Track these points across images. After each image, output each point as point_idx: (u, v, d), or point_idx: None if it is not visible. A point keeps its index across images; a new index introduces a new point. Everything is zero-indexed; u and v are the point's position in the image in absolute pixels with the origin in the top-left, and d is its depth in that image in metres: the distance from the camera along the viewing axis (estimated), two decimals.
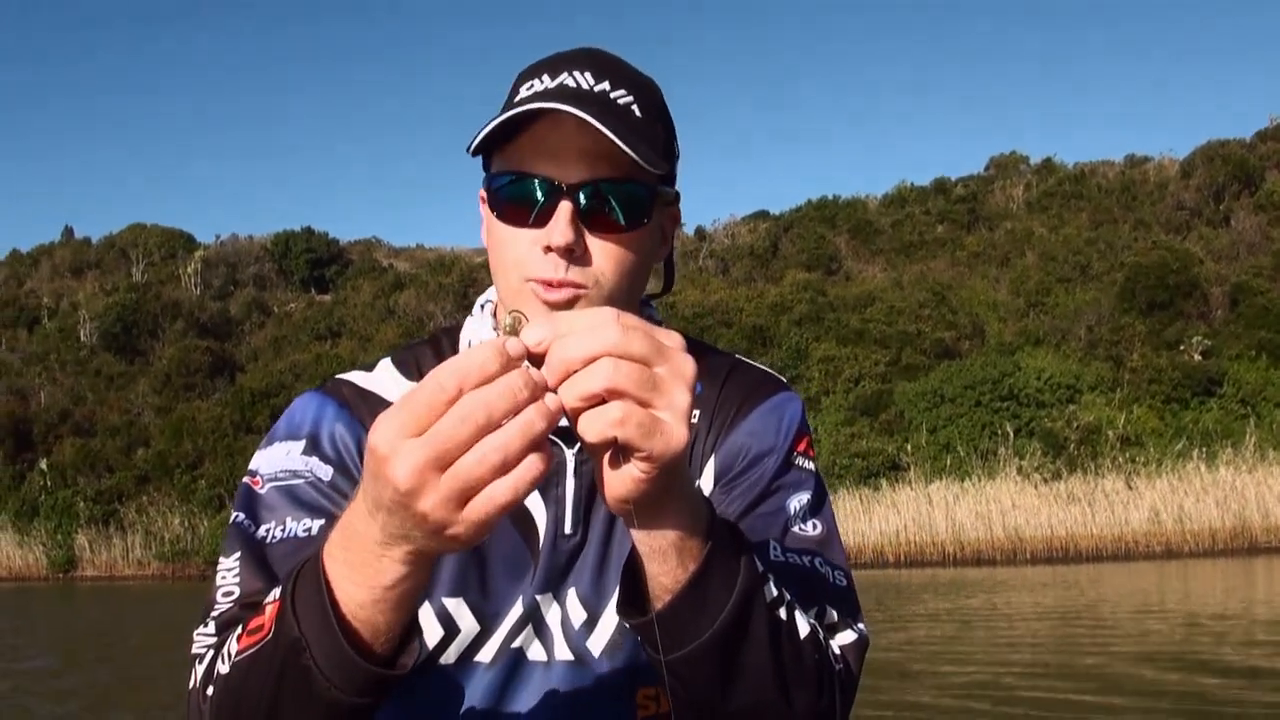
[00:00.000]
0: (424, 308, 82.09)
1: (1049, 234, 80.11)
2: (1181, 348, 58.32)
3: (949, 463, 52.53)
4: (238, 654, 1.61)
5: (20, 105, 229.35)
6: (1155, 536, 45.96)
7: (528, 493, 1.28)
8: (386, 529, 1.37)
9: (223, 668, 1.64)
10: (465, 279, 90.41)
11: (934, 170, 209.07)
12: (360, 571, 1.44)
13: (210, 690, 1.67)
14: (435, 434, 1.26)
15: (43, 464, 75.04)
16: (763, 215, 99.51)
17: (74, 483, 69.24)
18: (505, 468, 1.26)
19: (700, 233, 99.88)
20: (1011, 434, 53.35)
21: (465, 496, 1.27)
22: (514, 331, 1.32)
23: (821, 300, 71.38)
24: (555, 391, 1.30)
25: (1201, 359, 56.88)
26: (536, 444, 1.26)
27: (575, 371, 1.29)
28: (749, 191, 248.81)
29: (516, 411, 1.26)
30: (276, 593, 1.58)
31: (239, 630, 1.66)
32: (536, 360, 1.31)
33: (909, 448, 54.20)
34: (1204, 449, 49.21)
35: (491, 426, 1.25)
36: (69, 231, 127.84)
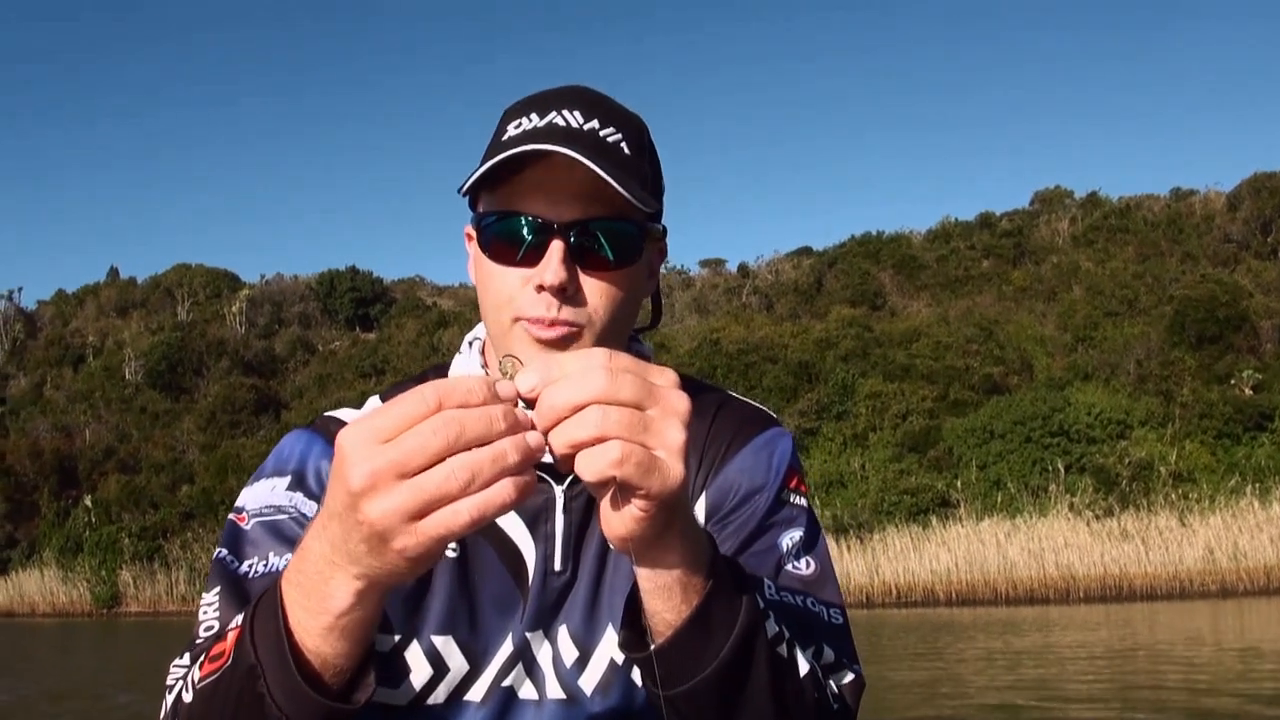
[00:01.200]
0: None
1: (1095, 268, 79.70)
2: (1232, 382, 57.72)
3: (1000, 499, 52.02)
4: (200, 680, 1.60)
5: (65, 148, 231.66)
6: (1210, 575, 45.20)
7: (491, 517, 1.26)
8: (334, 542, 1.36)
9: (186, 695, 1.63)
10: None
11: (978, 205, 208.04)
12: (310, 596, 1.42)
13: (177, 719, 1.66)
14: (402, 441, 1.26)
15: (87, 500, 75.73)
16: (806, 251, 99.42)
17: (118, 519, 69.75)
18: (469, 488, 1.25)
19: (743, 269, 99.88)
20: (1063, 470, 52.83)
21: (422, 510, 1.26)
22: (507, 375, 1.33)
23: (867, 336, 71.18)
24: (546, 438, 1.31)
25: (1252, 393, 56.17)
26: (506, 474, 1.25)
27: (565, 419, 1.29)
28: (792, 228, 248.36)
29: (489, 439, 1.26)
30: (238, 619, 1.57)
31: (202, 656, 1.65)
32: (531, 406, 1.32)
33: (959, 484, 53.70)
34: (1257, 485, 48.47)
35: (460, 447, 1.25)
36: (114, 272, 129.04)
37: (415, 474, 1.26)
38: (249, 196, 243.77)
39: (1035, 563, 47.29)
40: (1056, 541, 47.74)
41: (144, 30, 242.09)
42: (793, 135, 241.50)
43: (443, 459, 1.25)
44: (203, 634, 1.84)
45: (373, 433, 1.28)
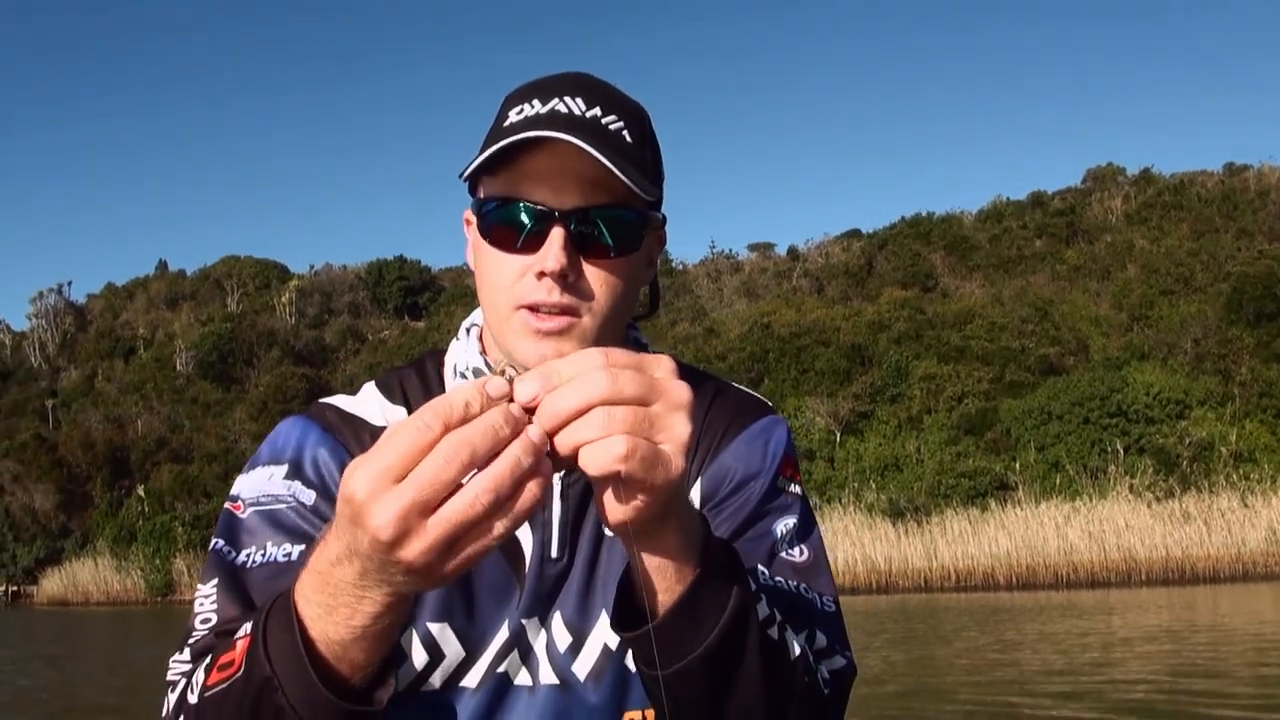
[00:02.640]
0: None
1: (1150, 246, 78.92)
2: None
3: (1058, 481, 51.51)
4: (207, 689, 1.59)
5: (113, 144, 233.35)
6: (1274, 556, 44.84)
7: (517, 527, 1.29)
8: (365, 573, 1.36)
9: (192, 698, 1.62)
10: None
11: (1030, 184, 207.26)
12: (338, 612, 1.42)
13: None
14: (418, 477, 1.25)
15: (140, 490, 76.63)
16: (855, 234, 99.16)
17: (171, 508, 70.18)
18: (498, 506, 1.26)
19: (793, 252, 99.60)
20: (1122, 451, 52.28)
21: (455, 540, 1.27)
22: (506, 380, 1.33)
23: (920, 318, 70.78)
24: (551, 440, 1.30)
25: None
26: (526, 480, 1.26)
27: (570, 422, 1.29)
28: (840, 210, 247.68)
29: (499, 449, 1.26)
30: (247, 628, 1.56)
31: (208, 662, 1.63)
32: (530, 413, 1.31)
33: (1016, 466, 53.22)
34: None
35: (474, 466, 1.25)
36: (163, 265, 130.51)
37: (439, 507, 1.25)
38: (297, 188, 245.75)
39: (1096, 545, 46.95)
40: (1117, 524, 47.36)
41: (192, 23, 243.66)
42: (840, 117, 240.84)
43: (460, 483, 1.25)
44: (199, 626, 1.82)
45: (384, 474, 1.26)
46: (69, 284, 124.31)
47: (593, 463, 1.29)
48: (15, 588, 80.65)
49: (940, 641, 23.49)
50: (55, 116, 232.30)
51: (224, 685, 1.55)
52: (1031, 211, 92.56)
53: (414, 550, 1.26)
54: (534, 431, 1.27)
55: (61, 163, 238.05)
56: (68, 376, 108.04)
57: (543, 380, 1.29)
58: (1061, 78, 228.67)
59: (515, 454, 1.25)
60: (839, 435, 61.46)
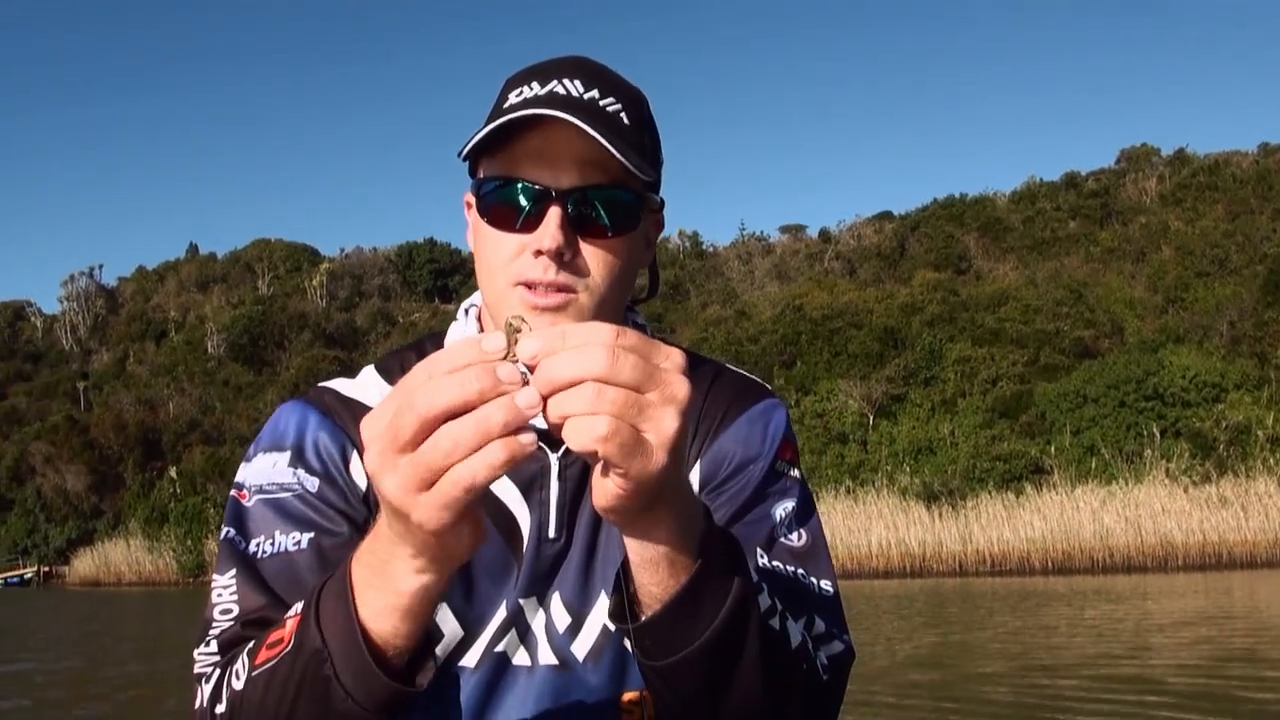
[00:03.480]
0: None
1: (1185, 227, 78.40)
2: None
3: (1094, 465, 51.13)
4: (254, 668, 1.61)
5: (144, 128, 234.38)
6: None
7: (485, 480, 1.28)
8: (390, 523, 1.41)
9: (236, 684, 1.63)
10: None
11: (1063, 164, 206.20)
12: (378, 575, 1.46)
13: (221, 708, 1.66)
14: (393, 420, 1.29)
15: (172, 472, 77.23)
16: (887, 216, 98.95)
17: (203, 490, 70.61)
18: (453, 455, 1.26)
19: (824, 234, 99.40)
20: (1158, 435, 51.86)
21: (427, 482, 1.29)
22: (511, 335, 1.33)
23: (954, 300, 70.42)
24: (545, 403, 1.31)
25: None
26: (492, 437, 1.26)
27: (561, 391, 1.30)
28: (871, 192, 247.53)
29: (468, 403, 1.27)
30: (298, 607, 1.59)
31: (252, 646, 1.66)
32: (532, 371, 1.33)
33: (1051, 450, 52.89)
34: None
35: (437, 417, 1.27)
36: (194, 248, 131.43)
37: (413, 448, 1.28)
38: (327, 171, 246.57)
39: (1132, 530, 46.50)
40: (1153, 508, 46.89)
41: (221, 2, 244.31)
42: (872, 97, 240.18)
43: (433, 430, 1.27)
44: (219, 617, 1.82)
45: (378, 416, 1.32)
46: (100, 267, 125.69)
47: (573, 437, 1.28)
48: (47, 568, 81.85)
49: (975, 626, 23.35)
50: (85, 99, 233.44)
51: (273, 662, 1.56)
52: (1065, 193, 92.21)
53: (388, 485, 1.30)
54: (523, 396, 1.27)
55: (92, 146, 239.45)
56: (99, 359, 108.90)
57: (544, 342, 1.29)
58: (1095, 57, 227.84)
59: (488, 410, 1.25)
60: (872, 418, 61.21)
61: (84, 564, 74.29)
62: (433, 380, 1.27)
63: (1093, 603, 29.01)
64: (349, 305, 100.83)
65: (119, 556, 72.11)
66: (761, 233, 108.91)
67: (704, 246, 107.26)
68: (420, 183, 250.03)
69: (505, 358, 1.28)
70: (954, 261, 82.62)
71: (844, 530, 49.81)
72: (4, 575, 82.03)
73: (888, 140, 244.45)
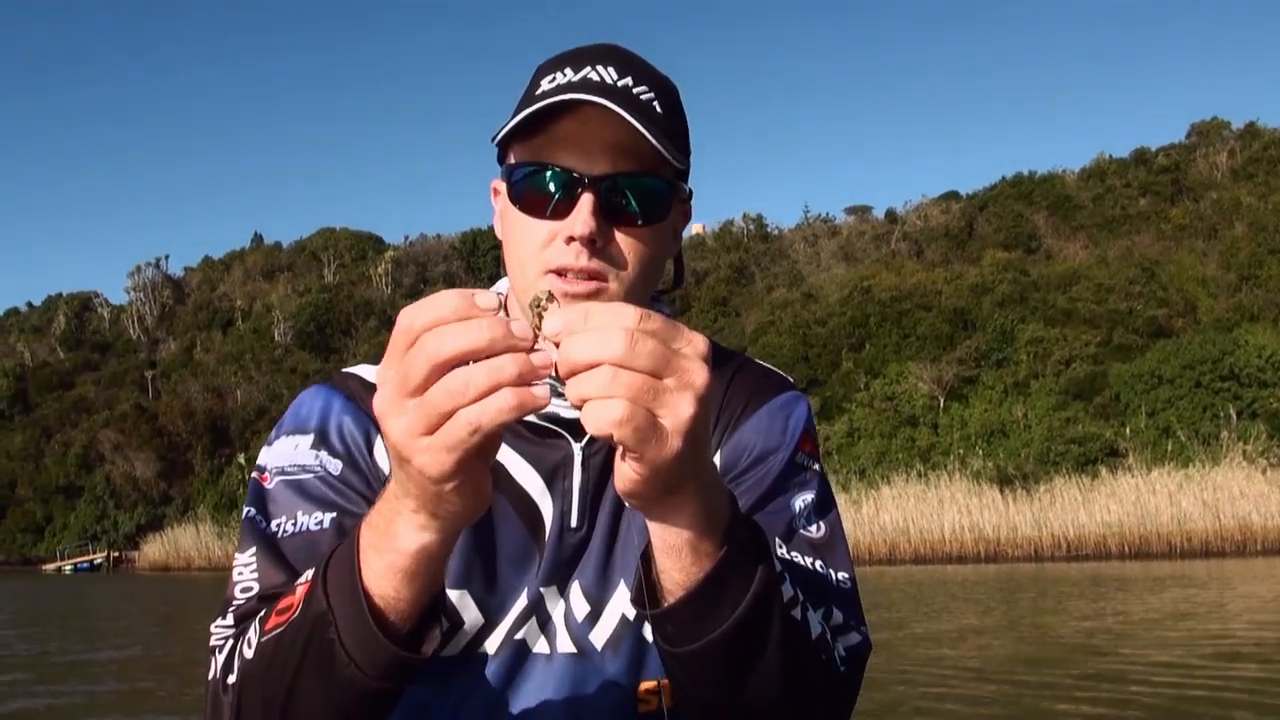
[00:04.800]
0: None
1: (1257, 203, 77.10)
2: None
3: (1170, 448, 50.36)
4: (264, 635, 1.63)
5: (209, 121, 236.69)
6: None
7: (490, 425, 1.28)
8: (395, 477, 1.43)
9: (247, 651, 1.65)
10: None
11: (1132, 140, 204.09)
12: (381, 535, 1.47)
13: (232, 678, 1.67)
14: (403, 363, 1.30)
15: (240, 458, 78.08)
16: (954, 195, 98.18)
17: None
18: (462, 399, 1.28)
19: (891, 215, 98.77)
20: (1235, 416, 51.07)
21: (431, 426, 1.30)
22: (537, 310, 1.35)
23: (1024, 280, 69.59)
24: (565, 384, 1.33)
25: None
26: (503, 385, 1.27)
27: (580, 373, 1.31)
28: (937, 171, 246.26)
29: (475, 350, 1.28)
30: (309, 574, 1.60)
31: (263, 614, 1.67)
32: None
33: (1126, 432, 52.18)
34: None
35: (447, 361, 1.28)
36: (258, 237, 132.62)
37: (422, 392, 1.28)
38: (389, 159, 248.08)
39: (1209, 514, 45.85)
40: (1231, 491, 46.22)
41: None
42: (934, 75, 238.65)
43: (438, 373, 1.27)
44: (239, 595, 1.82)
45: (385, 360, 1.33)
46: (166, 258, 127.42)
47: (589, 420, 1.29)
48: (117, 553, 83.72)
49: (1049, 611, 22.93)
50: (149, 92, 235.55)
51: (281, 628, 1.58)
52: (1135, 169, 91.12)
53: (394, 428, 1.30)
54: (539, 356, 1.28)
55: (157, 139, 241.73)
56: (166, 348, 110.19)
57: (564, 320, 1.30)
58: (1163, 28, 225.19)
59: (502, 360, 1.26)
60: (943, 401, 60.91)
61: (153, 549, 75.53)
62: (444, 325, 1.27)
63: (1171, 588, 28.49)
64: (414, 292, 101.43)
65: (188, 542, 73.09)
66: (827, 214, 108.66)
67: (769, 229, 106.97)
68: (484, 169, 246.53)
69: (533, 335, 1.29)
70: (1023, 241, 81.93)
71: (916, 515, 49.66)
72: (74, 561, 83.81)
73: (953, 118, 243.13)
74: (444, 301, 1.29)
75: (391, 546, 1.45)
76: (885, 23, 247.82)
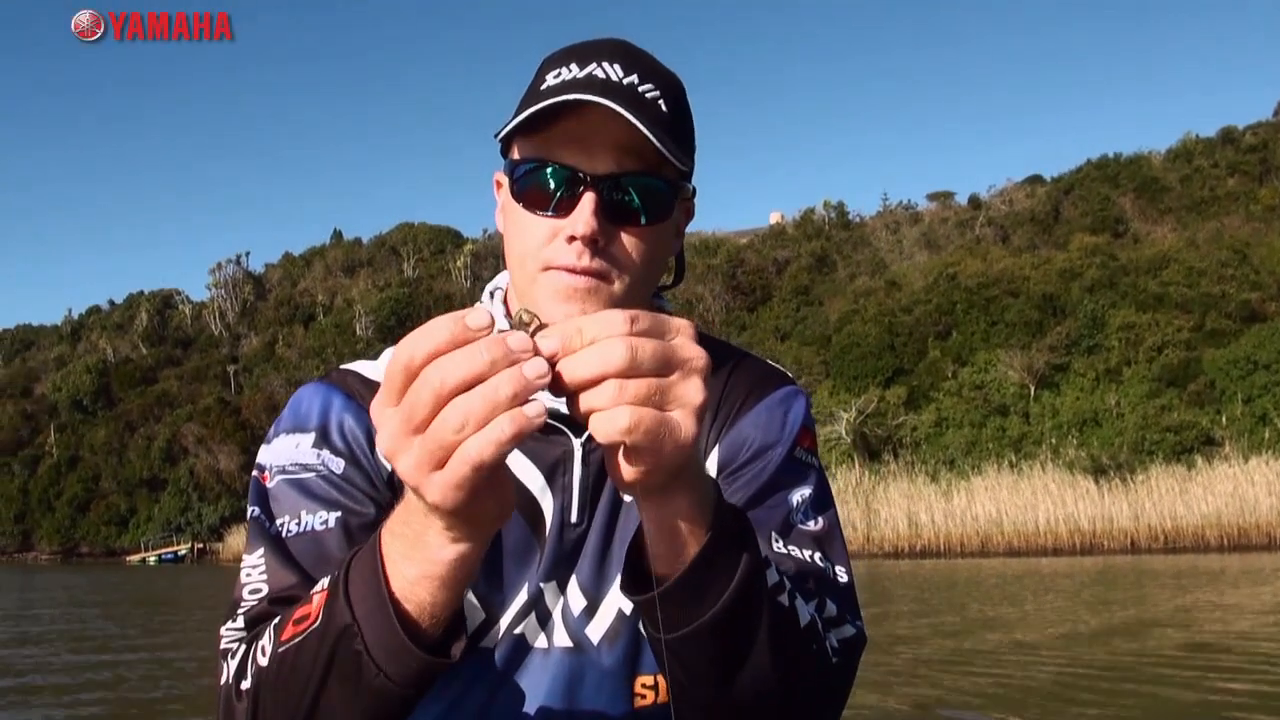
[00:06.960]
0: (692, 290, 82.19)
1: None
2: None
3: (1267, 436, 49.33)
4: (280, 644, 1.63)
5: (287, 118, 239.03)
6: None
7: (494, 456, 1.28)
8: (415, 499, 1.43)
9: (262, 659, 1.65)
10: (733, 260, 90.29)
11: (1219, 119, 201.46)
12: (413, 547, 1.47)
13: (246, 684, 1.67)
14: (408, 399, 1.29)
15: None
16: (1038, 179, 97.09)
17: None
18: (464, 431, 1.26)
19: (974, 201, 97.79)
20: None
21: (440, 459, 1.29)
22: (522, 327, 1.33)
23: (1113, 265, 68.43)
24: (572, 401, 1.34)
25: None
26: (500, 409, 1.26)
27: (584, 389, 1.31)
28: (1020, 155, 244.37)
29: (479, 375, 1.27)
30: (324, 583, 1.60)
31: (278, 621, 1.67)
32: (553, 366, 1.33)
33: (1223, 420, 51.16)
34: None
35: (451, 392, 1.27)
36: (338, 233, 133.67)
37: (425, 427, 1.26)
38: (467, 153, 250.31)
39: None
40: None
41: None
42: (1014, 58, 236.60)
43: (442, 406, 1.25)
44: (248, 596, 1.83)
45: (386, 398, 1.31)
46: (247, 254, 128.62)
47: (599, 432, 1.30)
48: (201, 544, 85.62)
49: (1145, 603, 22.36)
50: (229, 93, 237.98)
51: (299, 638, 1.57)
52: (1222, 149, 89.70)
53: (403, 466, 1.29)
54: (531, 367, 1.25)
55: (238, 138, 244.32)
56: (248, 343, 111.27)
57: (561, 339, 1.29)
58: (1247, 5, 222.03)
59: (496, 382, 1.24)
60: (1033, 389, 60.12)
61: (237, 541, 76.06)
62: (444, 356, 1.25)
63: (1271, 580, 27.99)
64: None
65: None
66: (908, 201, 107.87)
67: (850, 217, 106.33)
68: None
69: (532, 345, 1.28)
70: (1110, 224, 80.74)
71: (1010, 506, 48.86)
72: (159, 552, 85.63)
73: (1034, 101, 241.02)
74: (438, 330, 1.27)
75: (426, 556, 1.44)
76: (965, 6, 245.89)
